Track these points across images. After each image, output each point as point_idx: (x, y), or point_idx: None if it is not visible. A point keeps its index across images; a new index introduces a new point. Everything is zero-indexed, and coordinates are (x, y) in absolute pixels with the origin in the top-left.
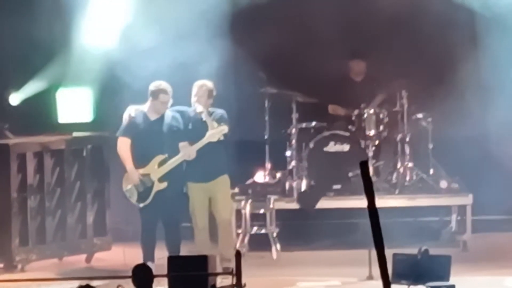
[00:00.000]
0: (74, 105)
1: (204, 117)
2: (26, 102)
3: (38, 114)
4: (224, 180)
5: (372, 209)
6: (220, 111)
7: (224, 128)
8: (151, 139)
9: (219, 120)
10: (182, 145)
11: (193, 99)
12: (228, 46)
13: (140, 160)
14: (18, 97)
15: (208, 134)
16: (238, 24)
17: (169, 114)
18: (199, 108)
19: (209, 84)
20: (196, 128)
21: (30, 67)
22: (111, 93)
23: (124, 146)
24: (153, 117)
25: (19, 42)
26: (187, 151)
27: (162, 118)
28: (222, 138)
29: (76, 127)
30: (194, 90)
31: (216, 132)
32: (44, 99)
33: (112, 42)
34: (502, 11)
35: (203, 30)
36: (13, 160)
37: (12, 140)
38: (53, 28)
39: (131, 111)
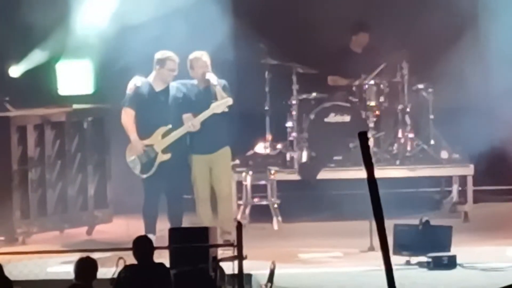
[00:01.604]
0: (75, 77)
1: (215, 82)
2: (26, 74)
3: (38, 86)
4: (225, 152)
5: (371, 180)
6: (223, 81)
7: (229, 100)
8: (155, 110)
9: (224, 90)
10: (186, 116)
11: (198, 70)
12: (228, 17)
13: (144, 131)
14: (18, 69)
15: (212, 105)
16: None
17: (174, 85)
18: (212, 76)
19: (206, 54)
20: (199, 100)
21: (30, 39)
22: (111, 65)
23: (128, 117)
24: (158, 87)
25: (19, 15)
26: (191, 123)
27: (167, 89)
28: (226, 110)
29: (77, 99)
30: (194, 62)
31: (221, 104)
32: (44, 72)
33: (111, 15)
34: None
35: (203, 0)
36: (14, 133)
37: (13, 113)
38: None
39: (136, 81)
